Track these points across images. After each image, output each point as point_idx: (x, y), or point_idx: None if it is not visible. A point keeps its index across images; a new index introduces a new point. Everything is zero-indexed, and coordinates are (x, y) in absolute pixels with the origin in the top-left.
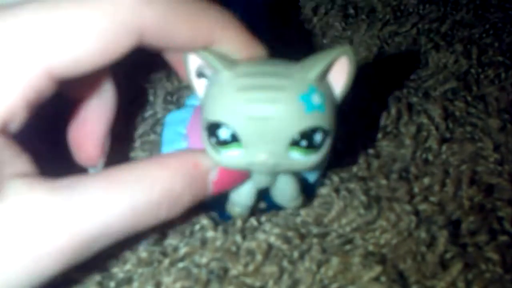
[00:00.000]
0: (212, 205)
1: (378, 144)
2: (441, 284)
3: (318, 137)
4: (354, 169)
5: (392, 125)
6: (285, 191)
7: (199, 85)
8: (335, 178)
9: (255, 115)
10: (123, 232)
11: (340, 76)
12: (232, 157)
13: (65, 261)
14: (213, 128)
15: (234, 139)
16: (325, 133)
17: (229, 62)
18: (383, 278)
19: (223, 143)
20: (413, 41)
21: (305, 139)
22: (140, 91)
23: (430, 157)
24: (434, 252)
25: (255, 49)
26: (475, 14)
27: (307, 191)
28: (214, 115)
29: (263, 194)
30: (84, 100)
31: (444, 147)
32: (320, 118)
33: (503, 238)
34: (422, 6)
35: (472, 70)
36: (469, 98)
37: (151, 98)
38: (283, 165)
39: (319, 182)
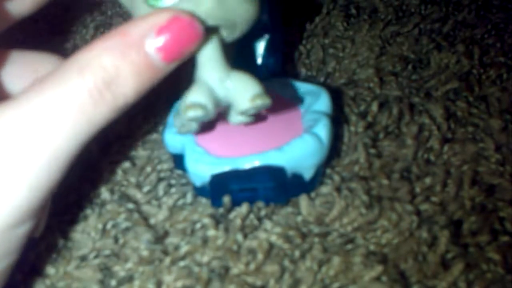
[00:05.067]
0: (205, 191)
1: (380, 144)
2: (442, 284)
3: None
4: (356, 168)
5: (394, 125)
6: (243, 89)
7: None
8: (337, 178)
9: None
10: (85, 127)
11: None
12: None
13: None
14: None
15: None
16: None
17: None
18: (384, 278)
19: None
20: (415, 41)
21: None
22: None
23: (432, 157)
24: (435, 252)
25: None
26: (477, 14)
27: (303, 188)
28: None
29: None
30: None
31: (445, 147)
32: None
33: (504, 238)
34: (424, 6)
35: (474, 71)
36: (471, 99)
37: (152, 97)
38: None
39: (318, 180)
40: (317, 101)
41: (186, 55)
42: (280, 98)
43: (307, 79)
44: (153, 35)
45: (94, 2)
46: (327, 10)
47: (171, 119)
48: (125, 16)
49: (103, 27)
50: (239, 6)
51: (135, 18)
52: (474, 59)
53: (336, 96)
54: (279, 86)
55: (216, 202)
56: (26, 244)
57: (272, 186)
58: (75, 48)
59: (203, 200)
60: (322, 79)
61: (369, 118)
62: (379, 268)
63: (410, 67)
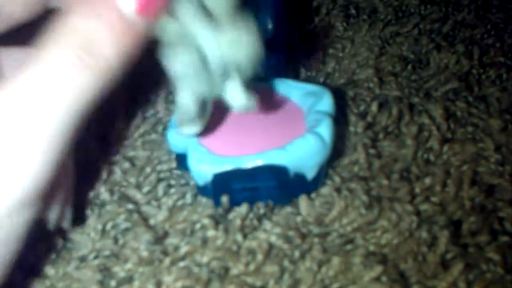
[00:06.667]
0: (207, 191)
1: (380, 144)
2: (442, 284)
3: None
4: (356, 169)
5: (394, 125)
6: (236, 94)
7: None
8: (336, 178)
9: None
10: (75, 97)
11: None
12: None
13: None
14: None
15: None
16: None
17: None
18: (384, 278)
19: None
20: (414, 41)
21: None
22: (141, 90)
23: (432, 158)
24: (435, 252)
25: None
26: (476, 14)
27: (305, 188)
28: None
29: None
30: None
31: (445, 148)
32: None
33: (504, 238)
34: (424, 6)
35: (474, 71)
36: (470, 99)
37: (152, 97)
38: None
39: (320, 181)
40: (320, 102)
41: (162, 8)
42: (283, 98)
43: (307, 79)
44: None
45: None
46: (327, 10)
47: (174, 118)
48: None
49: None
50: None
51: None
52: (474, 59)
53: (336, 96)
54: (281, 87)
55: (218, 201)
56: (26, 242)
57: (275, 185)
58: None
59: (203, 201)
60: (322, 79)
61: (369, 118)
62: (379, 268)
63: (409, 67)
